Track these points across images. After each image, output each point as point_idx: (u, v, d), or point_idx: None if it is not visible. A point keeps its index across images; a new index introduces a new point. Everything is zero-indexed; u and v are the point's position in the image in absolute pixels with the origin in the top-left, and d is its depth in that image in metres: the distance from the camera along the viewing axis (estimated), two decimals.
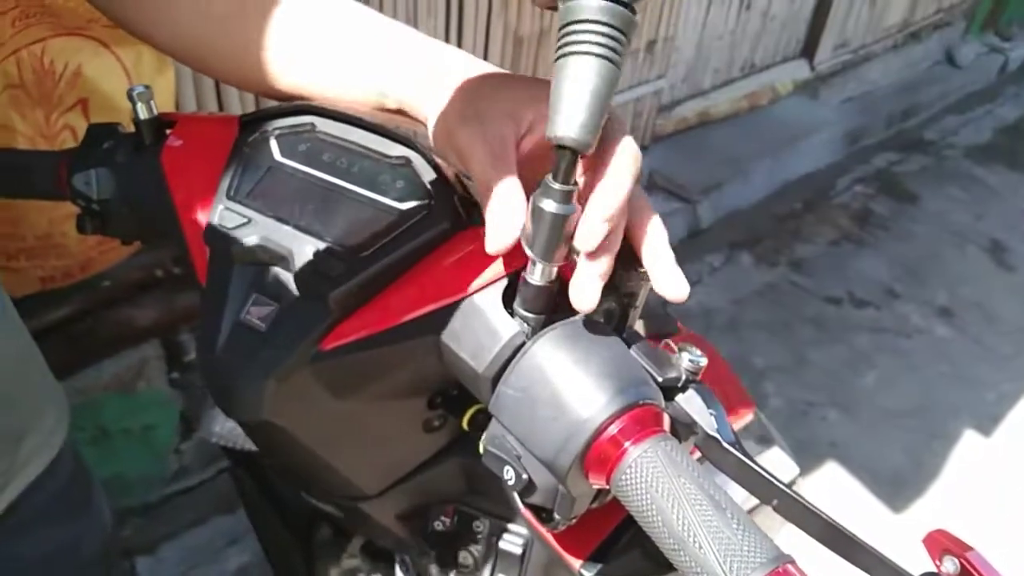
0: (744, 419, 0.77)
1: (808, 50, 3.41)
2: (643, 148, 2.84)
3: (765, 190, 3.04)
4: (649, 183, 2.76)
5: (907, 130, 3.70)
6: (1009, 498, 1.99)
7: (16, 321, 0.64)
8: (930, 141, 3.66)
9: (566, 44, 0.38)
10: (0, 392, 0.59)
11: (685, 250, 2.66)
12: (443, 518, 0.66)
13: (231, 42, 0.58)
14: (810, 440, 2.09)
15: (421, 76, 0.51)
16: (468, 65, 0.51)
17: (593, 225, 0.41)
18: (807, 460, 2.00)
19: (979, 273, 2.84)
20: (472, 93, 0.47)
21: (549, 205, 0.41)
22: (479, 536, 0.65)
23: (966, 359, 2.43)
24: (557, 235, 0.42)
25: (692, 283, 2.47)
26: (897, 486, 2.00)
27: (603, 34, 0.38)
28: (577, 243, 0.42)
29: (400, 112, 0.54)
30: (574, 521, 0.48)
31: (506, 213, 0.42)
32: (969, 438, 2.16)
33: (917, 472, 2.05)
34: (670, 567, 0.57)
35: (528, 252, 0.43)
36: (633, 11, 0.38)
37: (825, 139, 3.28)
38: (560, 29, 0.39)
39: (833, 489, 1.96)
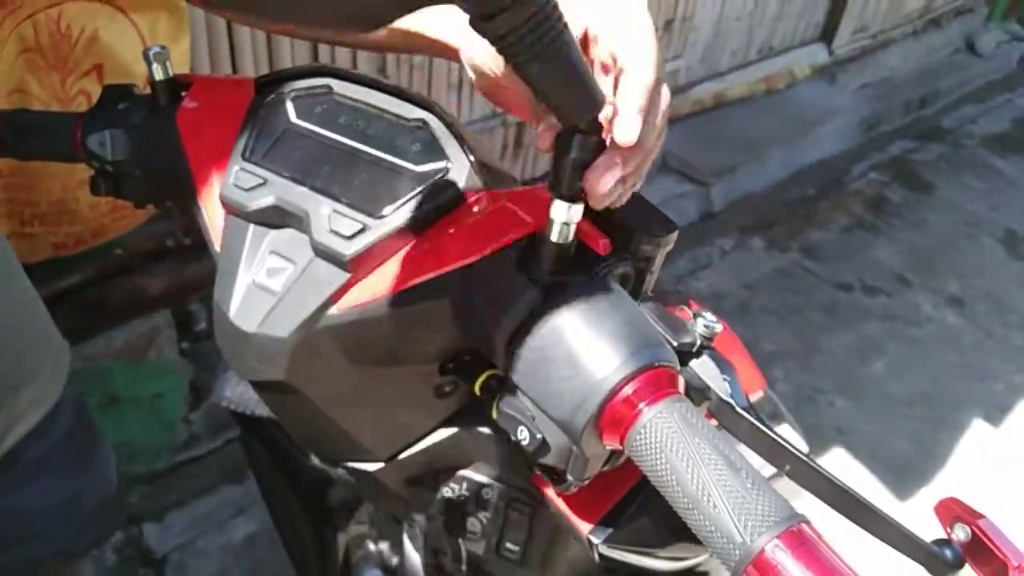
0: (755, 396, 0.76)
1: (827, 34, 3.38)
2: None
3: (779, 174, 3.02)
4: (662, 164, 2.74)
5: (924, 118, 3.67)
6: (1016, 489, 1.99)
7: (13, 265, 0.64)
8: (947, 129, 3.62)
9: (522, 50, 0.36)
10: None
11: (696, 233, 2.65)
12: (452, 484, 0.66)
13: None
14: (817, 426, 2.08)
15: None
16: None
17: (629, 117, 0.43)
18: (814, 446, 2.00)
19: (992, 263, 2.82)
20: None
21: (573, 153, 0.42)
22: (488, 503, 0.65)
23: (976, 349, 2.42)
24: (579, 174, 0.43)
25: (702, 267, 2.45)
26: (904, 474, 1.99)
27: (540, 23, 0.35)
28: (617, 137, 0.43)
29: (430, 43, 0.55)
30: (587, 483, 0.48)
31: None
32: (977, 428, 2.16)
33: (924, 461, 2.05)
34: (677, 535, 0.57)
35: (552, 200, 0.44)
36: None
37: (841, 125, 3.25)
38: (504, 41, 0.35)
39: (840, 475, 1.95)
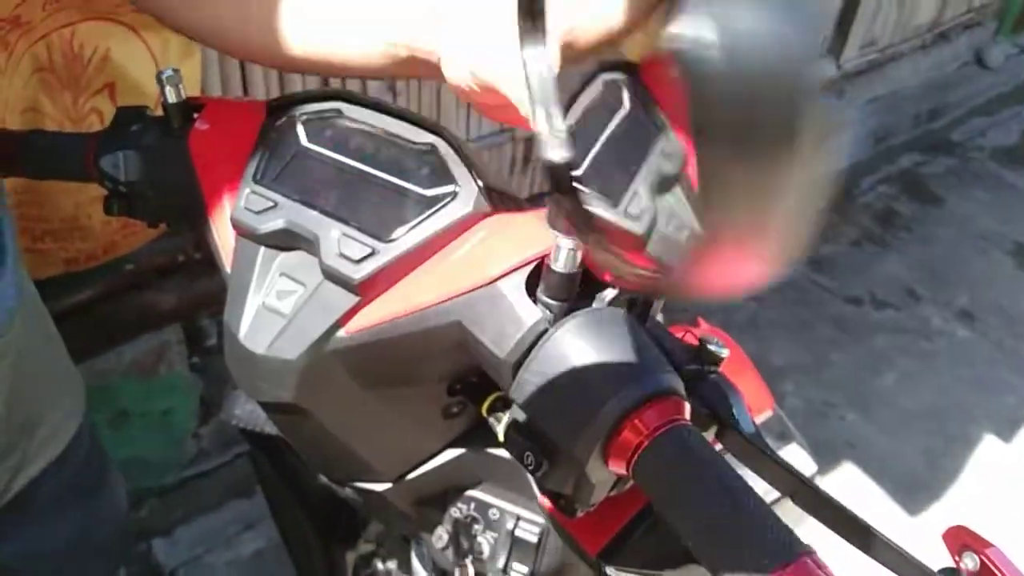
0: (763, 415, 0.76)
1: (835, 48, 3.38)
2: None
3: None
4: None
5: (933, 131, 3.66)
6: None
7: (39, 307, 0.64)
8: (957, 143, 3.61)
9: None
10: (20, 380, 0.60)
11: None
12: (460, 505, 0.66)
13: (235, 9, 0.57)
14: (828, 440, 2.07)
15: (424, 13, 0.51)
16: None
17: None
18: (825, 460, 1.99)
19: (1002, 277, 2.80)
20: (490, 15, 0.47)
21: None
22: (495, 524, 0.65)
23: (986, 362, 2.41)
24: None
25: None
26: (914, 488, 1.98)
27: None
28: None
29: (412, 61, 0.53)
30: (593, 508, 0.48)
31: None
32: (988, 442, 2.14)
33: (935, 474, 2.03)
34: (687, 558, 0.57)
35: (554, 229, 0.44)
36: None
37: (850, 138, 3.25)
38: None
39: (850, 489, 1.95)
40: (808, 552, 0.37)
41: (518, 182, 2.21)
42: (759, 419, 0.77)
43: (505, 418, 0.50)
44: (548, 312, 0.46)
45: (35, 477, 0.64)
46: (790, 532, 0.38)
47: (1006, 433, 2.18)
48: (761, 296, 2.50)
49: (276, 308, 0.52)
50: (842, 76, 3.41)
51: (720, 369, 0.50)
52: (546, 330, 0.46)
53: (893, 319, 2.53)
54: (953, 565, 0.45)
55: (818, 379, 2.26)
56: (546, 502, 0.60)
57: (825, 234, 2.87)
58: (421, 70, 0.53)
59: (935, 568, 0.45)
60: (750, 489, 0.39)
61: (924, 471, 2.04)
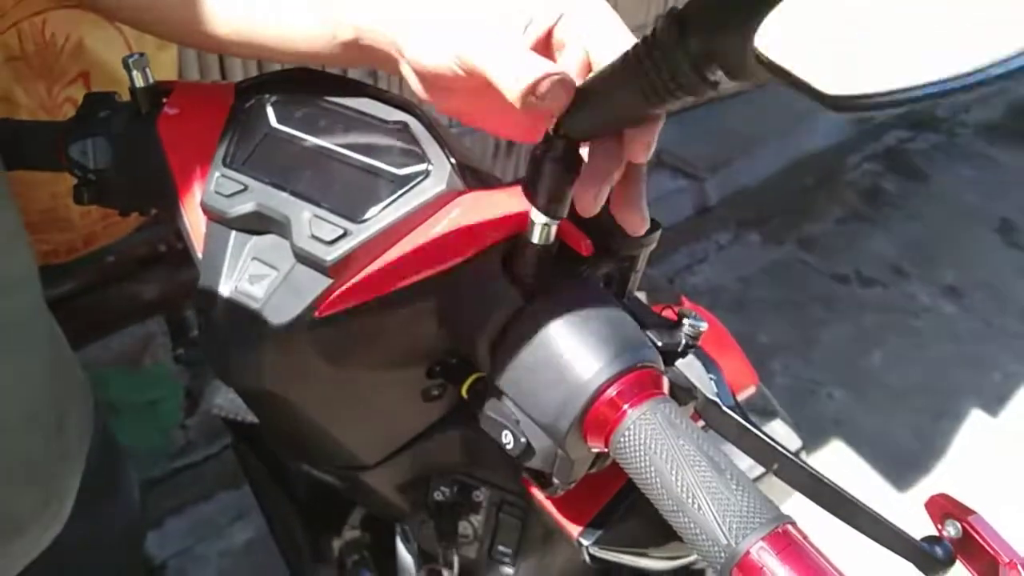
0: (747, 391, 0.76)
1: None
2: None
3: (774, 167, 3.02)
4: (656, 160, 2.74)
5: (918, 108, 3.67)
6: (1015, 477, 1.99)
7: (60, 337, 0.63)
8: (941, 119, 3.62)
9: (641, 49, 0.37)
10: (53, 376, 0.59)
11: (693, 228, 2.65)
12: (443, 488, 0.66)
13: None
14: (816, 418, 2.08)
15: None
16: None
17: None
18: (813, 438, 2.00)
19: (988, 252, 2.82)
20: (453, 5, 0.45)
21: (549, 160, 0.42)
22: (479, 506, 0.65)
23: (973, 339, 2.42)
24: (559, 186, 0.42)
25: (699, 261, 2.44)
26: (903, 465, 1.99)
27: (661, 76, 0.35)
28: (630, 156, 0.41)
29: (355, 46, 0.49)
30: (573, 486, 0.48)
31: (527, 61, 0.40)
32: (975, 417, 2.16)
33: (923, 451, 2.05)
34: (668, 535, 0.57)
35: (531, 205, 0.43)
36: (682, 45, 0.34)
37: (835, 116, 3.25)
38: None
39: (839, 467, 1.96)
40: (788, 520, 0.37)
41: (502, 166, 2.20)
42: (742, 396, 0.77)
43: (484, 398, 0.49)
44: (524, 289, 0.46)
45: None
46: (770, 502, 0.37)
47: (993, 408, 2.19)
48: (748, 276, 2.51)
49: (249, 293, 0.51)
50: None
51: (701, 345, 0.49)
52: (523, 307, 0.45)
53: (880, 296, 2.54)
54: (936, 533, 0.45)
55: (806, 358, 2.26)
56: (528, 482, 0.60)
57: (811, 212, 2.87)
58: (367, 56, 0.50)
59: (918, 536, 0.45)
60: (729, 460, 0.39)
61: (912, 448, 2.05)
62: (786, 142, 3.04)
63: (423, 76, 0.47)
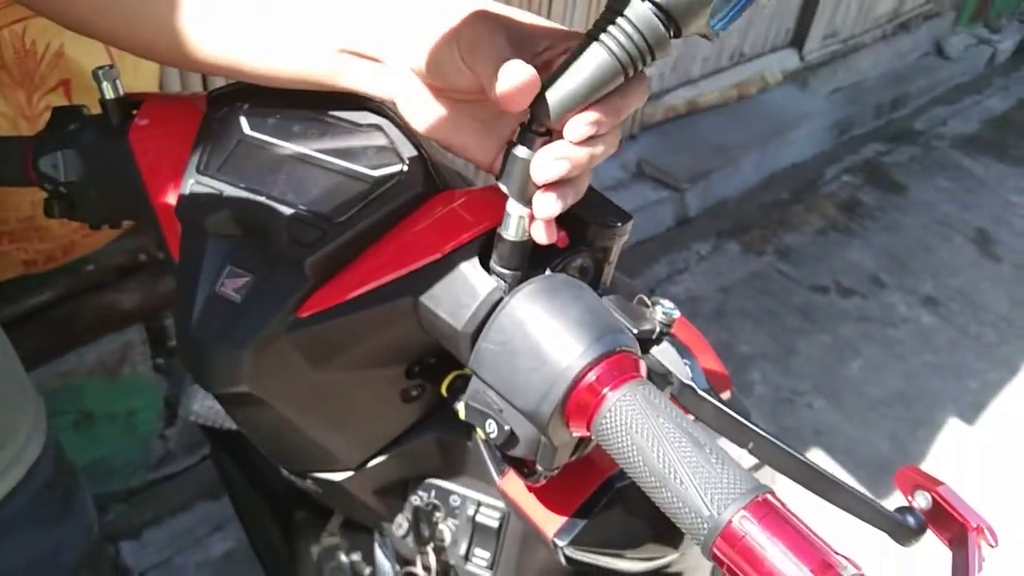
0: (722, 395, 0.77)
1: (798, 40, 3.41)
2: (631, 137, 2.84)
3: (753, 179, 3.05)
4: (637, 171, 2.76)
5: (896, 120, 3.71)
6: (993, 485, 2.01)
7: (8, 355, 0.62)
8: (919, 131, 3.67)
9: (597, 27, 0.40)
10: None
11: (673, 238, 2.67)
12: (420, 493, 0.66)
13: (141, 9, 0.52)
14: (796, 428, 2.10)
15: (364, 16, 0.48)
16: None
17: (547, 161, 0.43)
18: (793, 448, 2.01)
19: (965, 263, 2.85)
20: (444, 20, 0.44)
21: (522, 151, 0.43)
22: (456, 511, 0.65)
23: (951, 348, 2.44)
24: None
25: (679, 271, 2.44)
26: (882, 473, 2.01)
27: (628, 36, 0.39)
28: (534, 175, 0.43)
29: (339, 59, 0.49)
30: (556, 472, 0.49)
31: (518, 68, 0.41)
32: (953, 426, 2.18)
33: (902, 459, 2.06)
34: (644, 536, 0.57)
35: (505, 191, 0.44)
36: (671, 33, 0.39)
37: (814, 129, 3.28)
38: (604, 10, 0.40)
39: None
40: (767, 490, 0.38)
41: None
42: None
43: (465, 393, 0.50)
44: (502, 281, 0.47)
45: (3, 496, 0.61)
46: (748, 474, 0.39)
47: (970, 416, 2.21)
48: (728, 286, 2.53)
49: (227, 297, 0.52)
50: (805, 67, 3.44)
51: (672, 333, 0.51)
52: (501, 299, 0.46)
53: (859, 307, 2.57)
54: (907, 504, 0.47)
55: (785, 367, 2.28)
56: (505, 487, 0.60)
57: (790, 224, 2.90)
58: (348, 78, 0.49)
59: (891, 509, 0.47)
60: (707, 436, 0.40)
61: (891, 456, 2.07)
62: (765, 154, 3.07)
63: (419, 78, 0.47)
